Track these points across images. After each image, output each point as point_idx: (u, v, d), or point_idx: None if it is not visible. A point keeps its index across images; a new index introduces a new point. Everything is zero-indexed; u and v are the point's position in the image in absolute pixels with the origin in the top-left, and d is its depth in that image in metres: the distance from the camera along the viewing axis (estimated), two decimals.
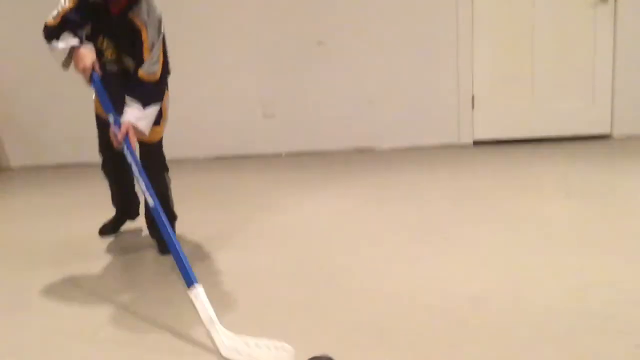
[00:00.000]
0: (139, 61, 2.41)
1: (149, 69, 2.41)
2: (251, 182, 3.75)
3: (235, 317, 2.05)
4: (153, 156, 2.63)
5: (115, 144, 2.35)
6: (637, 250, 2.49)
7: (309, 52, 4.64)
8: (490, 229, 2.84)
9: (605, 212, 3.03)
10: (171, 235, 2.10)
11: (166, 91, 2.60)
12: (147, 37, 2.38)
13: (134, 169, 2.28)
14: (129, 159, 2.30)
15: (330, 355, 1.71)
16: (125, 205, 2.98)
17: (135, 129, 2.35)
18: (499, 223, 2.91)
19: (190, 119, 4.50)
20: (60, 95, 4.69)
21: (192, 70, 4.47)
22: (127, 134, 2.32)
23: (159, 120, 2.56)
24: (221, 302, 2.13)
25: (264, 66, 4.63)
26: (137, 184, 2.33)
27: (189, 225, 2.96)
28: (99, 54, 2.46)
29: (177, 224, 2.78)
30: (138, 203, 2.98)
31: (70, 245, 2.92)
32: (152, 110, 2.42)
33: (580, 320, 1.92)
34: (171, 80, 2.53)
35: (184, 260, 2.01)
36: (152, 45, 2.39)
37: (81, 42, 2.40)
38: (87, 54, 2.38)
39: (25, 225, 3.33)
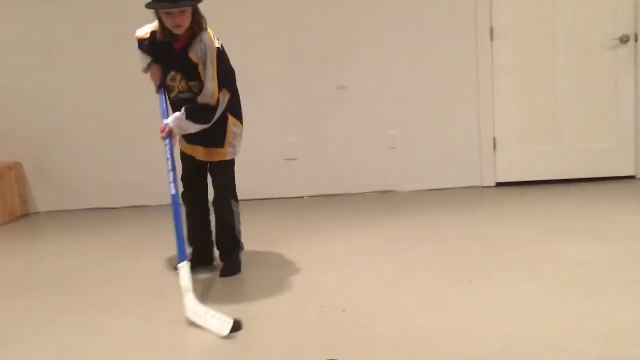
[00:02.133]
0: (201, 89, 2.80)
1: (201, 99, 2.78)
2: (274, 223, 3.76)
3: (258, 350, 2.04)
4: (219, 177, 3.02)
5: (161, 135, 2.78)
6: None
7: (330, 97, 4.71)
8: (517, 272, 2.80)
9: (632, 254, 2.98)
10: (179, 222, 2.66)
11: (233, 119, 2.95)
12: (202, 71, 2.75)
13: (168, 162, 2.74)
14: (167, 152, 2.75)
15: None
16: (196, 241, 3.12)
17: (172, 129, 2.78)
18: (525, 265, 2.88)
19: None
20: (88, 142, 4.81)
21: None
22: (168, 133, 2.76)
23: (222, 143, 2.93)
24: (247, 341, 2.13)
25: (287, 111, 4.71)
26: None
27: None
28: (170, 87, 2.90)
29: None
30: (211, 249, 3.16)
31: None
32: (191, 124, 2.78)
33: None
34: None
35: (181, 241, 2.63)
36: (207, 79, 2.75)
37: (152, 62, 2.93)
38: (157, 72, 2.91)
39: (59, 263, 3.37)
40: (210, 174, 3.04)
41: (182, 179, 3.06)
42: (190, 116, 2.77)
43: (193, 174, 3.05)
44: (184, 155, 3.07)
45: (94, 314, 2.61)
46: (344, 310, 2.45)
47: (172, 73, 2.85)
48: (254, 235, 3.43)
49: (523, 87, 4.63)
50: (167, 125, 2.77)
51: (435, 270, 2.89)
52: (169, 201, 4.35)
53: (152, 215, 4.49)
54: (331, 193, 4.76)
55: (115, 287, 2.95)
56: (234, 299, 2.68)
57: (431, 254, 3.17)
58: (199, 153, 2.98)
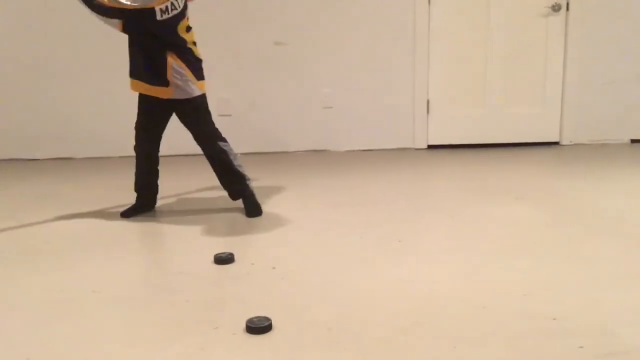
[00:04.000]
0: None
1: None
2: (205, 180, 3.71)
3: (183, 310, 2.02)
4: (188, 122, 3.02)
5: None
6: (581, 253, 2.56)
7: (267, 53, 4.63)
8: (442, 232, 2.88)
9: (552, 216, 3.11)
10: None
11: (173, 57, 2.92)
12: None
13: None
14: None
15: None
16: (143, 191, 3.15)
17: None
18: (450, 226, 2.95)
19: None
20: (9, 90, 4.57)
21: None
22: None
23: (164, 81, 2.88)
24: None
25: (221, 66, 4.59)
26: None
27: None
28: None
29: None
30: (154, 194, 3.20)
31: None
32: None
33: (526, 322, 1.96)
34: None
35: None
36: None
37: None
38: None
39: None
40: (183, 122, 3.03)
41: (137, 125, 3.05)
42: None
43: (148, 122, 3.01)
44: (141, 99, 3.01)
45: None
46: (273, 268, 2.45)
47: None
48: (182, 194, 3.38)
49: (457, 51, 4.69)
50: None
51: (363, 229, 2.93)
52: (93, 153, 4.22)
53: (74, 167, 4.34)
54: (265, 151, 4.73)
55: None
56: (160, 256, 2.64)
57: (361, 213, 3.20)
58: (142, 87, 2.95)
